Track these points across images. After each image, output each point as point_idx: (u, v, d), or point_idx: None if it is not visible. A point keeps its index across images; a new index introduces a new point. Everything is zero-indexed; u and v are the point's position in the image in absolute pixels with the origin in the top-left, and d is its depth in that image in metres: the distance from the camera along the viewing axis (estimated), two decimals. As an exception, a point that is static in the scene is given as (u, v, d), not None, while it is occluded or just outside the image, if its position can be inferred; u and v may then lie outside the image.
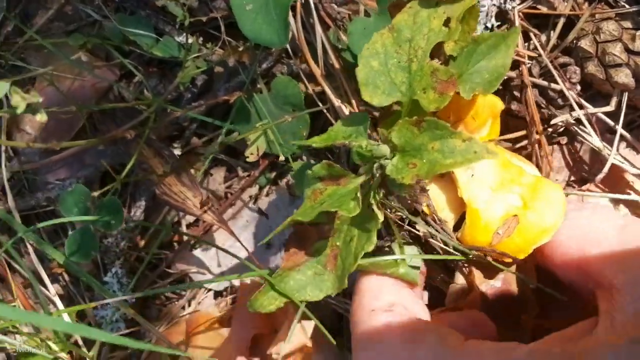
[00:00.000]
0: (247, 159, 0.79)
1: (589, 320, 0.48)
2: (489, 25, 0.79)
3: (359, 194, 0.53)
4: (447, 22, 0.57)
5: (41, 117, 0.66)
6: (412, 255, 0.54)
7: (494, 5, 0.78)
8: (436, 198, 0.55)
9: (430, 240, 0.54)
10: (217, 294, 0.85)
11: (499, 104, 0.60)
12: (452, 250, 0.54)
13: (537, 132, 0.76)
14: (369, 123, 0.59)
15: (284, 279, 0.57)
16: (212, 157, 0.83)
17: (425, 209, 0.53)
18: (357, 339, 0.51)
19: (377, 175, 0.53)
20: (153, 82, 0.85)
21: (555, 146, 0.80)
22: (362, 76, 0.57)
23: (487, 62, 0.61)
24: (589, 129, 0.76)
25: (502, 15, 0.79)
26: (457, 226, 0.55)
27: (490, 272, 0.54)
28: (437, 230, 0.53)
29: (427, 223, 0.54)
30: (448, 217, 0.55)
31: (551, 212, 0.51)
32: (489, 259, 0.54)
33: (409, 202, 0.53)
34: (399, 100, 0.57)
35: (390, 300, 0.52)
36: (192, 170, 0.85)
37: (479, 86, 0.57)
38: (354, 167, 0.58)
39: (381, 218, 0.52)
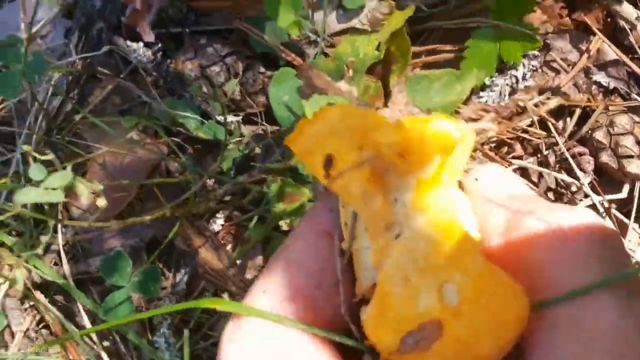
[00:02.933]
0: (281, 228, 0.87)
1: None
2: (502, 104, 0.85)
3: None
4: (378, 46, 0.64)
5: (101, 203, 0.74)
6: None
7: (507, 85, 0.84)
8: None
9: None
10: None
11: (450, 136, 0.35)
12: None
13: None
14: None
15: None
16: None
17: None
18: None
19: None
20: (197, 160, 0.93)
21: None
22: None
23: (442, 98, 0.67)
24: (604, 215, 0.82)
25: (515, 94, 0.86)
26: None
27: None
28: None
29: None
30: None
31: (496, 335, 0.30)
32: None
33: None
34: None
35: None
36: (232, 239, 0.92)
37: None
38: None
39: None
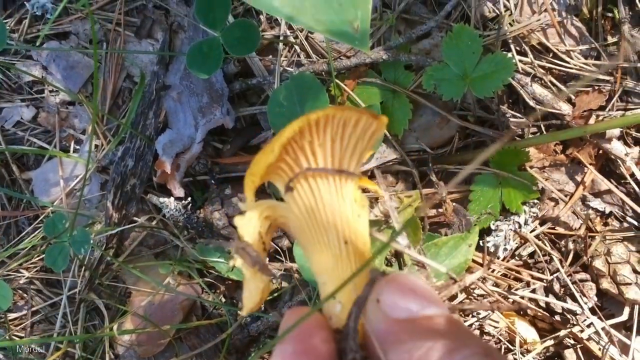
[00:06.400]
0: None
1: None
2: (507, 247, 0.92)
3: None
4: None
5: None
6: None
7: (511, 230, 0.92)
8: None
9: None
10: None
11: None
12: None
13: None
14: None
15: None
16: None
17: None
18: None
19: None
20: (229, 295, 1.01)
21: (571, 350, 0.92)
22: None
23: (450, 261, 0.77)
24: (605, 339, 0.89)
25: (519, 238, 0.93)
26: None
27: None
28: None
29: None
30: None
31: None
32: None
33: None
34: None
35: None
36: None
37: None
38: None
39: None
